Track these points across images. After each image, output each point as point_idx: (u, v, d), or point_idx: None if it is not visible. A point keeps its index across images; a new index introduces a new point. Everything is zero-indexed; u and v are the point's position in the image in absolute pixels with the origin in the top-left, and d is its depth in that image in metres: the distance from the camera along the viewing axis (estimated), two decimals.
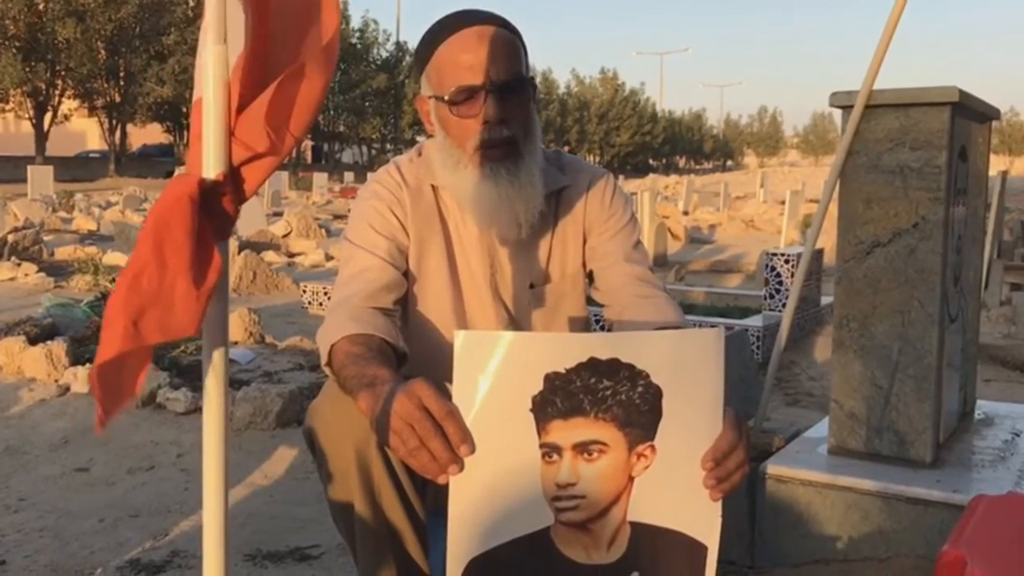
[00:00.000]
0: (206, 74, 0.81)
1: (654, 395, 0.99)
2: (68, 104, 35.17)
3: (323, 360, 1.37)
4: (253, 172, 0.83)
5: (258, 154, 0.82)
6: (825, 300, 5.11)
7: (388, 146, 48.75)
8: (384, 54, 48.32)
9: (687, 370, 1.01)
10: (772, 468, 1.92)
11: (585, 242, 1.59)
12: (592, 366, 0.97)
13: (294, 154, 41.93)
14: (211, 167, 0.82)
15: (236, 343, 4.32)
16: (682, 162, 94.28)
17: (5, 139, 45.25)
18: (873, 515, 1.81)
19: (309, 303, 6.04)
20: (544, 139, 1.54)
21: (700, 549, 1.05)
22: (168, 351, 4.01)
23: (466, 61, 1.39)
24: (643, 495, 1.02)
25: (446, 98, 1.40)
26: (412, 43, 49.79)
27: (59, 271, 7.35)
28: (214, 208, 0.82)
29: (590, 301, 1.63)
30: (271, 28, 0.84)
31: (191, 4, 35.97)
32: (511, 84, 1.41)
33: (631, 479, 1.01)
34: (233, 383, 3.46)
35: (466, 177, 1.43)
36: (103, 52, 34.52)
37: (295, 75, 0.80)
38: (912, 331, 1.90)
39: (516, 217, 1.45)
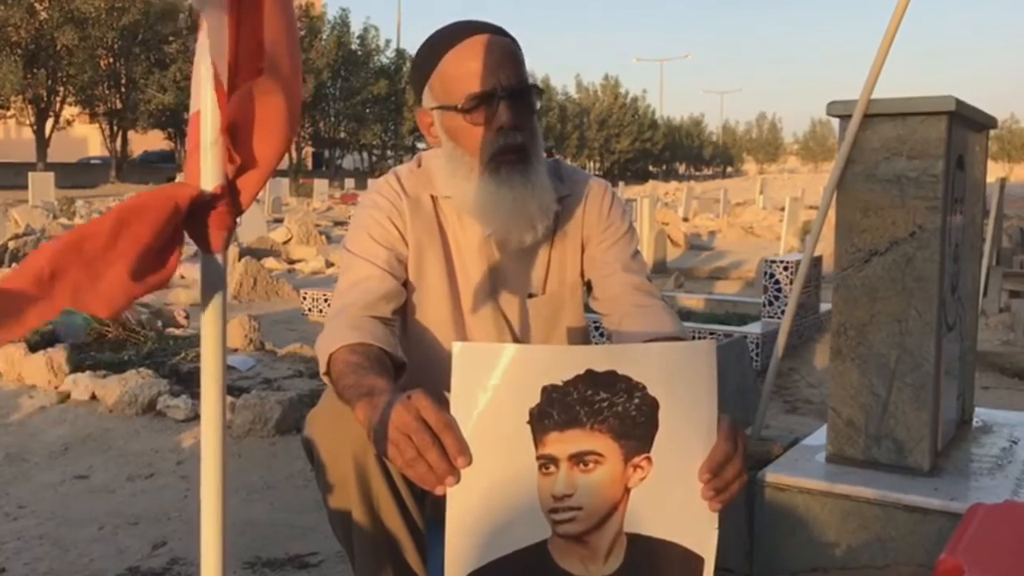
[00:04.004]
0: (204, 87, 0.81)
1: (651, 407, 0.99)
2: (69, 111, 35.26)
3: (322, 369, 1.37)
4: (246, 184, 0.84)
5: (244, 167, 0.82)
6: (824, 307, 5.12)
7: (389, 152, 48.82)
8: (384, 61, 48.41)
9: (683, 382, 1.02)
10: (770, 476, 1.92)
11: (583, 251, 1.60)
12: (589, 378, 0.97)
13: (295, 160, 41.99)
14: (208, 180, 0.82)
15: (236, 350, 4.32)
16: (682, 168, 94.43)
17: (6, 145, 45.28)
18: (871, 523, 1.81)
19: (309, 310, 6.04)
20: (544, 145, 1.55)
21: (697, 561, 1.05)
22: (168, 358, 4.02)
23: (476, 69, 1.39)
24: (640, 506, 1.02)
25: (458, 107, 1.41)
26: (412, 50, 49.87)
27: None
28: (204, 221, 0.82)
29: (588, 309, 1.64)
30: (263, 41, 0.84)
31: (192, 12, 36.09)
32: (521, 90, 1.42)
33: (627, 490, 1.01)
34: (233, 390, 3.47)
35: (479, 185, 1.43)
36: (105, 59, 34.61)
37: (254, 91, 0.80)
38: (910, 339, 1.91)
39: (531, 220, 1.45)
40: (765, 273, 5.01)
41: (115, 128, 36.87)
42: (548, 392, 0.96)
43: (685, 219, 15.62)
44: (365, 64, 46.33)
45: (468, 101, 1.40)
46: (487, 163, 1.42)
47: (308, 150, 49.87)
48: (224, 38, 0.80)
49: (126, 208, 0.78)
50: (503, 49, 1.42)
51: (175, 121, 38.08)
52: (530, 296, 1.57)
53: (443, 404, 1.00)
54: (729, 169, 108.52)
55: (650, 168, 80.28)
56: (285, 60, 0.83)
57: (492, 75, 1.39)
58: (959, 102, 1.88)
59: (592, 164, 67.15)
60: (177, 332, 4.74)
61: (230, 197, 0.83)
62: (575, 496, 0.99)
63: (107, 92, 35.75)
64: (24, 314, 0.76)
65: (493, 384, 0.96)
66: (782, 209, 13.15)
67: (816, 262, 5.36)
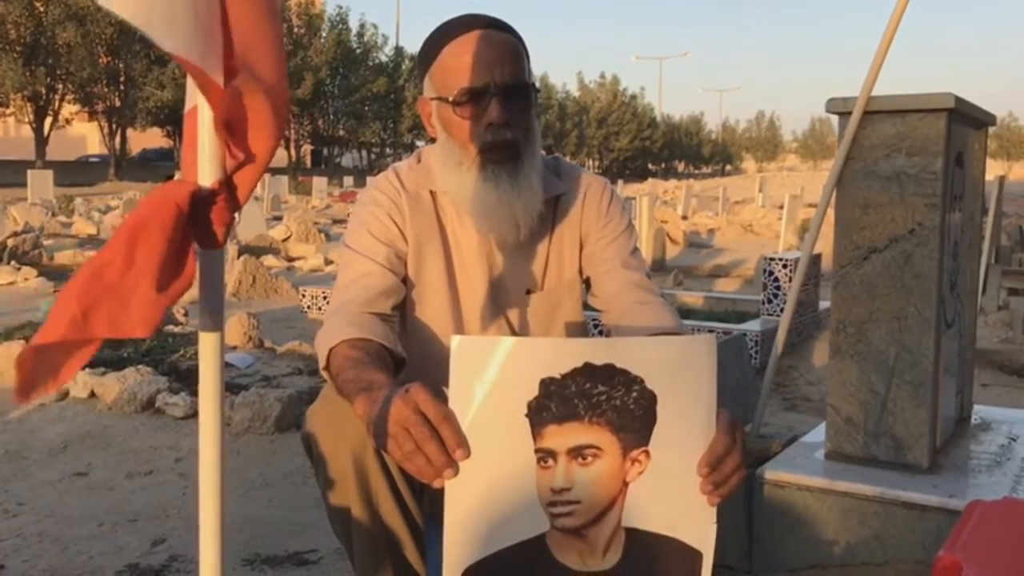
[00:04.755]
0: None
1: (649, 400, 1.00)
2: (68, 108, 35.23)
3: (321, 364, 1.37)
4: (243, 179, 0.84)
5: (242, 162, 0.82)
6: (823, 305, 5.12)
7: (388, 150, 48.78)
8: (383, 58, 48.36)
9: (681, 376, 1.02)
10: (769, 473, 1.92)
11: (582, 248, 1.60)
12: (587, 371, 0.97)
13: (294, 158, 41.96)
14: (207, 175, 0.82)
15: (235, 347, 4.32)
16: (681, 167, 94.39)
17: (5, 143, 45.29)
18: (870, 520, 1.81)
19: (308, 308, 6.04)
20: (542, 143, 1.55)
21: (695, 556, 1.05)
22: (167, 356, 4.01)
23: (471, 63, 1.40)
24: (638, 501, 1.02)
25: (450, 99, 1.42)
26: (411, 48, 49.87)
27: (59, 276, 7.34)
28: (203, 217, 0.82)
29: (587, 306, 1.64)
30: (233, 41, 0.83)
31: None
32: (515, 88, 1.42)
33: (626, 484, 1.01)
34: (232, 387, 3.46)
35: (466, 178, 1.44)
36: (104, 56, 34.57)
37: (240, 88, 0.80)
38: (909, 336, 1.91)
39: (515, 220, 1.46)
40: (764, 271, 5.01)
41: (114, 126, 36.84)
42: (546, 385, 0.96)
43: (684, 217, 15.61)
44: (364, 62, 46.28)
45: (461, 95, 1.41)
46: (476, 158, 1.43)
47: (307, 148, 49.82)
48: (215, 43, 0.80)
49: (132, 225, 0.78)
50: (502, 45, 1.43)
51: (174, 119, 38.01)
52: (528, 292, 1.57)
53: (442, 398, 1.00)
54: (728, 167, 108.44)
55: (649, 166, 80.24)
56: (257, 57, 0.83)
57: (487, 71, 1.40)
58: (958, 99, 1.88)
59: (591, 162, 67.12)
60: (176, 329, 4.73)
61: (228, 192, 0.83)
62: (573, 490, 1.00)
63: (106, 89, 35.70)
64: (68, 359, 0.77)
65: (491, 377, 0.97)
66: (781, 207, 13.14)
67: (815, 260, 5.36)
